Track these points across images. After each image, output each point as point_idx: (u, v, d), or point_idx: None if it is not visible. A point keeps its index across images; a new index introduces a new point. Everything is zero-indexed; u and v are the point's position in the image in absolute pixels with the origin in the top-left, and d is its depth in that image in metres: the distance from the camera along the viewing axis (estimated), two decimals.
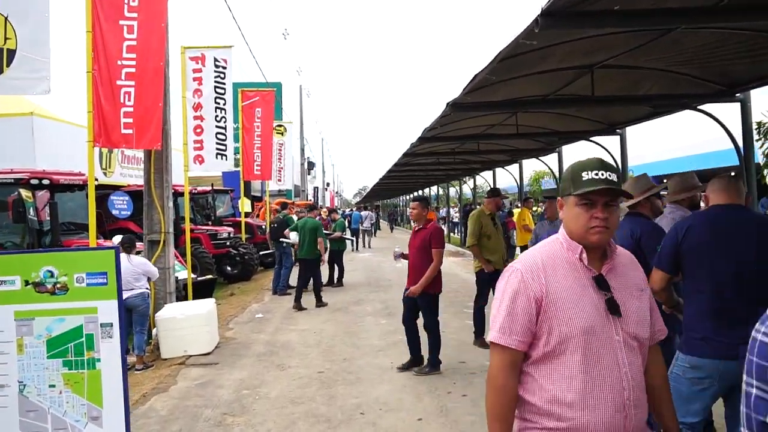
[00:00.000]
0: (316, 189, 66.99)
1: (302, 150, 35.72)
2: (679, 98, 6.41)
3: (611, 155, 9.47)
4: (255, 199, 30.79)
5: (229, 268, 16.67)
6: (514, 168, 15.90)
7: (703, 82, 6.16)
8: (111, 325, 3.88)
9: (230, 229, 16.89)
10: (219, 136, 12.64)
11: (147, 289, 7.34)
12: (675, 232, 3.24)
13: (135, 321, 7.14)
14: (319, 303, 11.34)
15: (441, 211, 29.04)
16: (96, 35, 7.58)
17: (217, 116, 12.64)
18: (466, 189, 27.53)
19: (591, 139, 9.69)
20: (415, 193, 42.22)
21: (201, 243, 16.11)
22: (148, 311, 7.34)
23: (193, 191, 17.41)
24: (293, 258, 13.75)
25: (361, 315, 9.93)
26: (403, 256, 7.06)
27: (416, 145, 10.70)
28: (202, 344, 7.63)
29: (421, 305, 6.69)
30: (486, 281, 7.31)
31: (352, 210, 53.66)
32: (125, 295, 7.10)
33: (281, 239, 12.98)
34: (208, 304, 8.10)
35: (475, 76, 4.89)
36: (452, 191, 30.82)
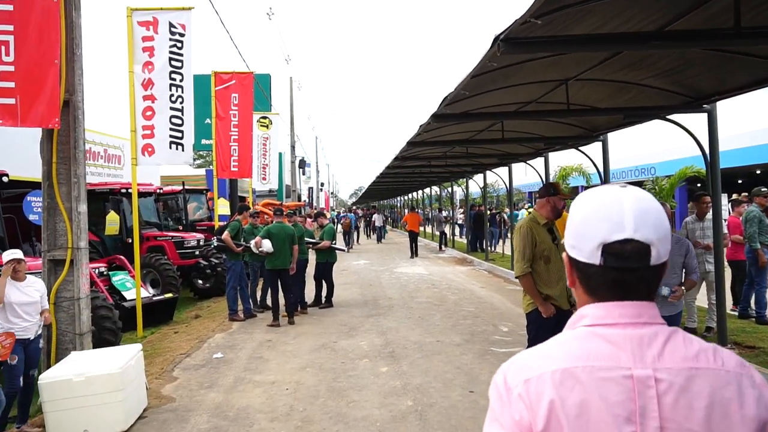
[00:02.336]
0: (310, 189, 64.39)
1: (293, 147, 33.10)
2: None
3: (694, 138, 6.95)
4: (242, 201, 28.27)
5: (200, 282, 14.15)
6: (536, 162, 13.37)
7: None
8: None
9: (199, 235, 14.31)
10: (174, 120, 10.09)
11: None
12: None
13: None
14: (274, 321, 9.71)
15: (442, 212, 26.43)
16: None
17: (172, 95, 10.09)
18: (474, 187, 25.02)
19: (668, 117, 7.16)
20: (412, 195, 39.34)
21: (165, 252, 13.59)
22: None
23: (158, 191, 14.85)
24: (256, 272, 11.26)
25: (353, 357, 7.36)
26: None
27: (427, 127, 8.15)
28: (113, 420, 5.05)
29: None
30: (544, 327, 4.71)
31: (346, 212, 50.96)
32: None
33: (256, 249, 10.44)
34: (126, 356, 5.50)
35: None
36: (457, 190, 28.35)
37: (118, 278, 10.94)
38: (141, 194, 14.22)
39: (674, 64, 5.99)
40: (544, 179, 12.85)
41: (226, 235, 10.27)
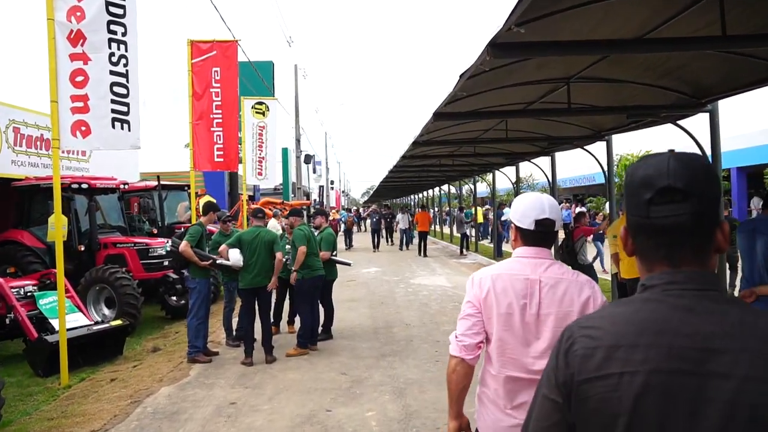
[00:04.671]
0: (321, 188, 61.75)
1: (298, 141, 30.36)
2: None
3: None
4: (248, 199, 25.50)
5: (174, 298, 11.46)
6: (595, 148, 10.51)
7: None
8: None
9: (170, 240, 11.55)
10: (117, 89, 7.39)
11: None
12: None
13: None
14: (247, 358, 7.28)
15: (463, 211, 23.45)
16: None
17: (112, 55, 7.39)
18: (502, 183, 22.12)
19: None
20: (426, 193, 36.04)
21: (126, 262, 10.90)
22: None
23: (121, 186, 12.14)
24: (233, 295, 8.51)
25: None
26: None
27: (462, 87, 5.36)
28: None
29: None
30: None
31: (358, 210, 48.19)
32: None
33: (219, 262, 7.71)
34: None
35: None
36: (480, 186, 25.51)
37: (47, 301, 8.28)
38: (100, 190, 11.59)
39: None
40: (606, 170, 10.00)
41: (184, 246, 7.52)
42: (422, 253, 21.22)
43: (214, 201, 16.78)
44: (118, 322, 8.58)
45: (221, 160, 12.50)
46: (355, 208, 54.45)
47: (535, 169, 21.72)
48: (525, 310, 2.11)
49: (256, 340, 7.49)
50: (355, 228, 28.42)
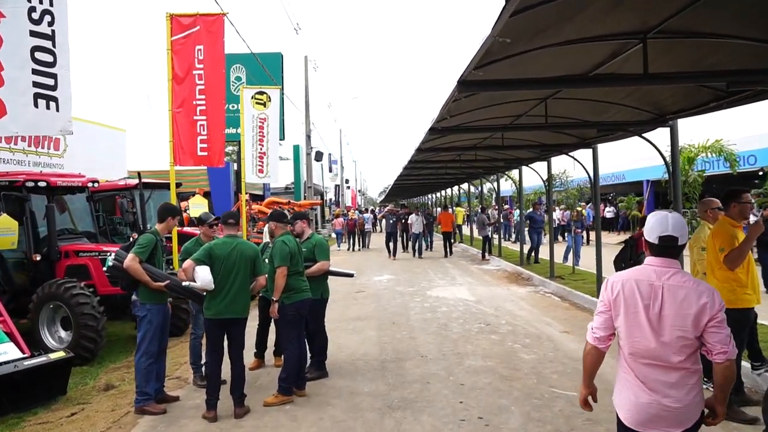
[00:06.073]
0: (337, 187, 60.14)
1: (308, 137, 28.59)
2: None
3: None
4: (255, 199, 23.80)
5: None
6: (656, 137, 8.54)
7: None
8: None
9: None
10: (39, 55, 5.64)
11: None
12: None
13: None
14: (209, 411, 5.52)
15: (485, 212, 21.44)
16: None
17: (32, 10, 5.63)
18: (531, 179, 20.11)
19: None
20: (450, 191, 33.89)
21: (89, 274, 9.18)
22: None
23: (89, 185, 10.38)
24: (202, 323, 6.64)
25: None
26: None
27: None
28: None
29: None
30: None
31: (374, 210, 46.38)
32: None
33: (185, 284, 5.87)
34: None
35: None
36: (505, 185, 23.55)
37: None
38: (63, 189, 9.89)
39: None
40: (670, 163, 8.04)
41: (131, 260, 5.71)
42: (447, 253, 21.43)
43: (206, 202, 15.11)
44: (60, 354, 6.84)
45: (205, 153, 10.67)
46: (371, 207, 52.60)
47: (567, 165, 19.75)
48: (649, 310, 2.59)
49: (225, 382, 5.74)
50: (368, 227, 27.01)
